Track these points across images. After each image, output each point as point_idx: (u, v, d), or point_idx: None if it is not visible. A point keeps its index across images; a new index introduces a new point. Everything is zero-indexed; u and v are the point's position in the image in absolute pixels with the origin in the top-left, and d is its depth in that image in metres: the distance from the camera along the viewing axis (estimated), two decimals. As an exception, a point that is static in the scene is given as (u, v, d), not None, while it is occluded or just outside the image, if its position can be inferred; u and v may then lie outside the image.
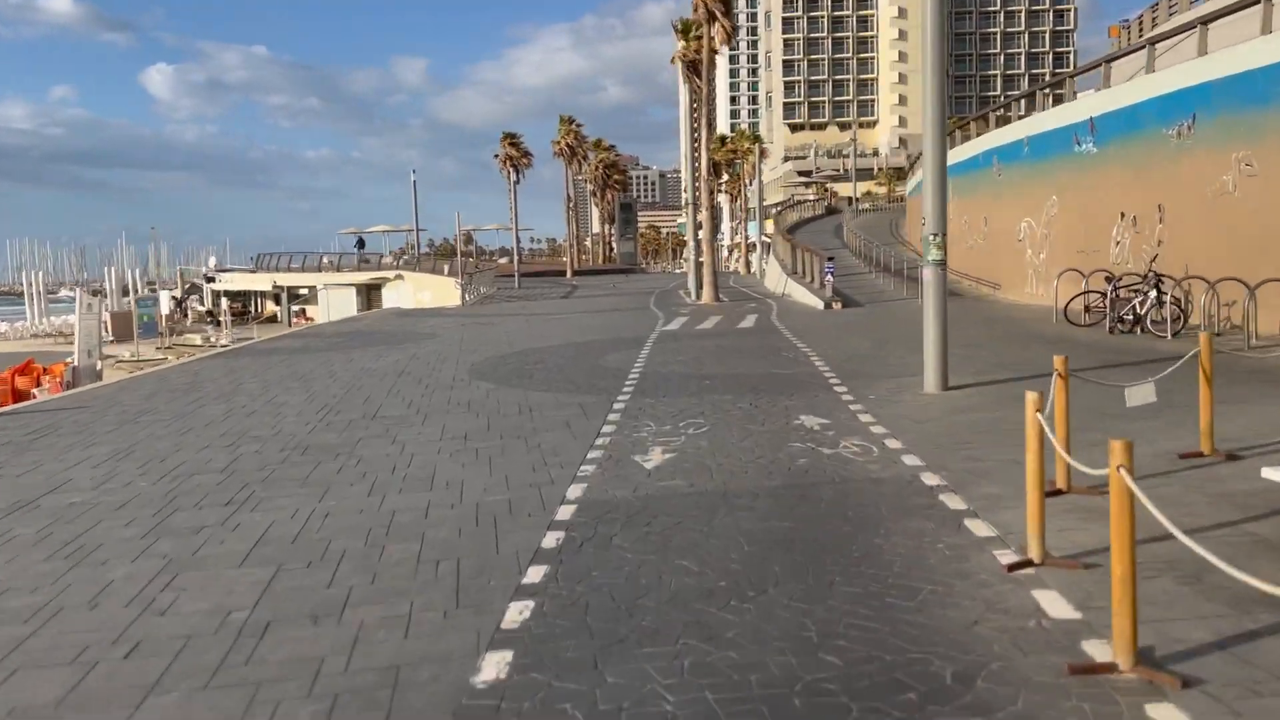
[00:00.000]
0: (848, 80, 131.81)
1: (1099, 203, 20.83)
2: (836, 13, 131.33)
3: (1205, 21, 17.30)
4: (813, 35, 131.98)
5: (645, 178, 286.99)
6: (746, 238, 71.29)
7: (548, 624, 4.75)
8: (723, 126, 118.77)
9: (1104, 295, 17.41)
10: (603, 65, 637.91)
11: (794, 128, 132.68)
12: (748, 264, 66.21)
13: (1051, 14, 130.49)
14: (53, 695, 4.22)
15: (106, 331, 43.35)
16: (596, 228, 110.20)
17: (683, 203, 78.67)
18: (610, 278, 64.34)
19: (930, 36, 11.31)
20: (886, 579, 5.18)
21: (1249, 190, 15.77)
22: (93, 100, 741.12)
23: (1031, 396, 5.18)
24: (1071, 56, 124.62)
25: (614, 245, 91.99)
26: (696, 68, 36.92)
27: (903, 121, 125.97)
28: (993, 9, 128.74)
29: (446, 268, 51.54)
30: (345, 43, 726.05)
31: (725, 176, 75.69)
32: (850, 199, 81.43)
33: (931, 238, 11.29)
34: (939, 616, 4.63)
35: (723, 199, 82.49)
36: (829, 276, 28.15)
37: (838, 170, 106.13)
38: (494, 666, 4.29)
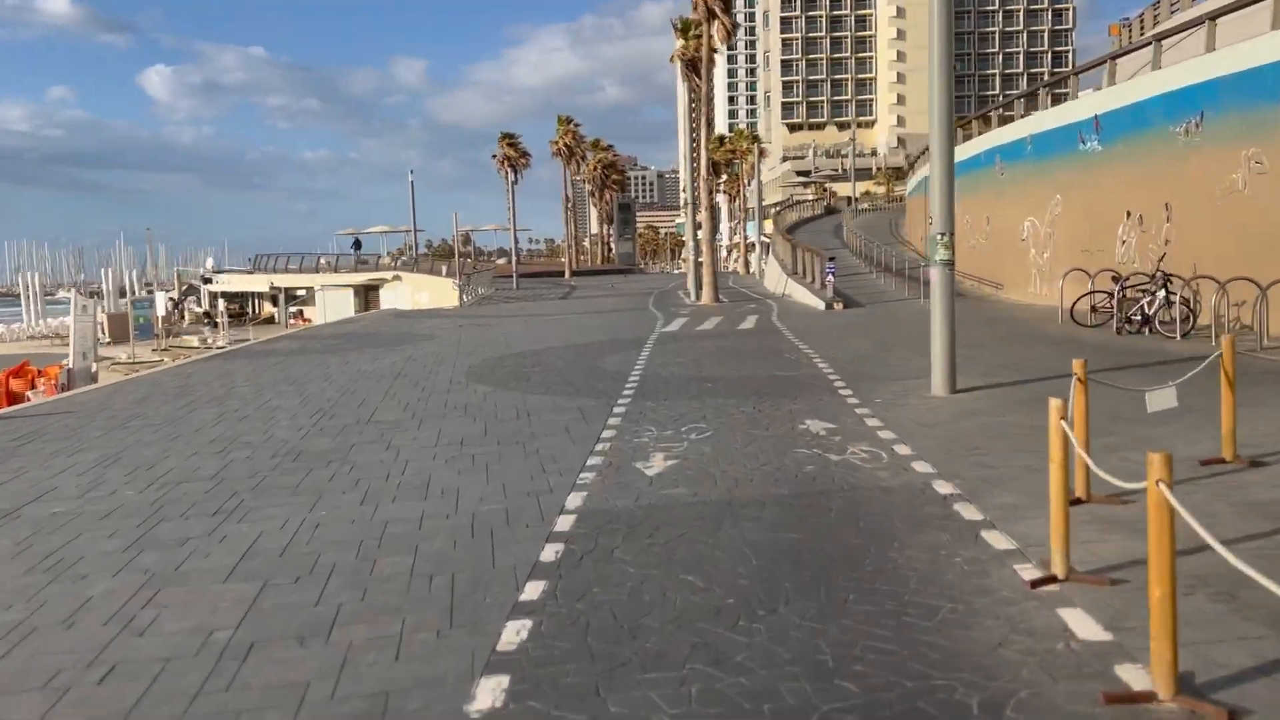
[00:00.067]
0: (846, 80, 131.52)
1: (1104, 201, 20.58)
2: (835, 12, 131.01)
3: (1214, 17, 17.05)
4: (811, 35, 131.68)
5: (643, 178, 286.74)
6: (745, 238, 71.01)
7: (546, 645, 4.49)
8: (721, 127, 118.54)
9: (1111, 295, 17.16)
10: (601, 65, 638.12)
11: (792, 127, 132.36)
12: (746, 264, 65.94)
13: (1050, 13, 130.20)
14: (18, 726, 3.97)
15: (103, 333, 43.09)
16: (595, 228, 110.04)
17: (681, 203, 78.49)
18: (609, 278, 64.07)
19: (938, 33, 11.05)
20: (902, 596, 4.92)
21: (1259, 188, 15.52)
22: (91, 102, 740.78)
23: (1055, 404, 4.92)
24: (1070, 56, 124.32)
25: (612, 245, 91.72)
26: (696, 66, 36.68)
27: (901, 121, 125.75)
28: (991, 8, 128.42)
29: (444, 268, 51.32)
30: (344, 43, 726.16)
31: (724, 177, 75.47)
32: (849, 199, 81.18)
33: (939, 237, 11.04)
34: (961, 638, 4.37)
35: (721, 199, 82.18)
36: (830, 277, 27.90)
37: (836, 170, 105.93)
38: (489, 693, 4.03)
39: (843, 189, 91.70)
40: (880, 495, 6.92)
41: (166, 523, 7.04)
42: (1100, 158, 20.94)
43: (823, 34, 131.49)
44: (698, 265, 35.48)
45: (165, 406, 12.93)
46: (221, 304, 57.16)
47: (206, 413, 12.22)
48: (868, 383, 12.24)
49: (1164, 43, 19.48)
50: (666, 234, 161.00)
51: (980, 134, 30.68)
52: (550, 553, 5.88)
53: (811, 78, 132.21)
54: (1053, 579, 4.96)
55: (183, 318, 58.81)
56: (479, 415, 11.19)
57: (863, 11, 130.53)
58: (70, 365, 26.30)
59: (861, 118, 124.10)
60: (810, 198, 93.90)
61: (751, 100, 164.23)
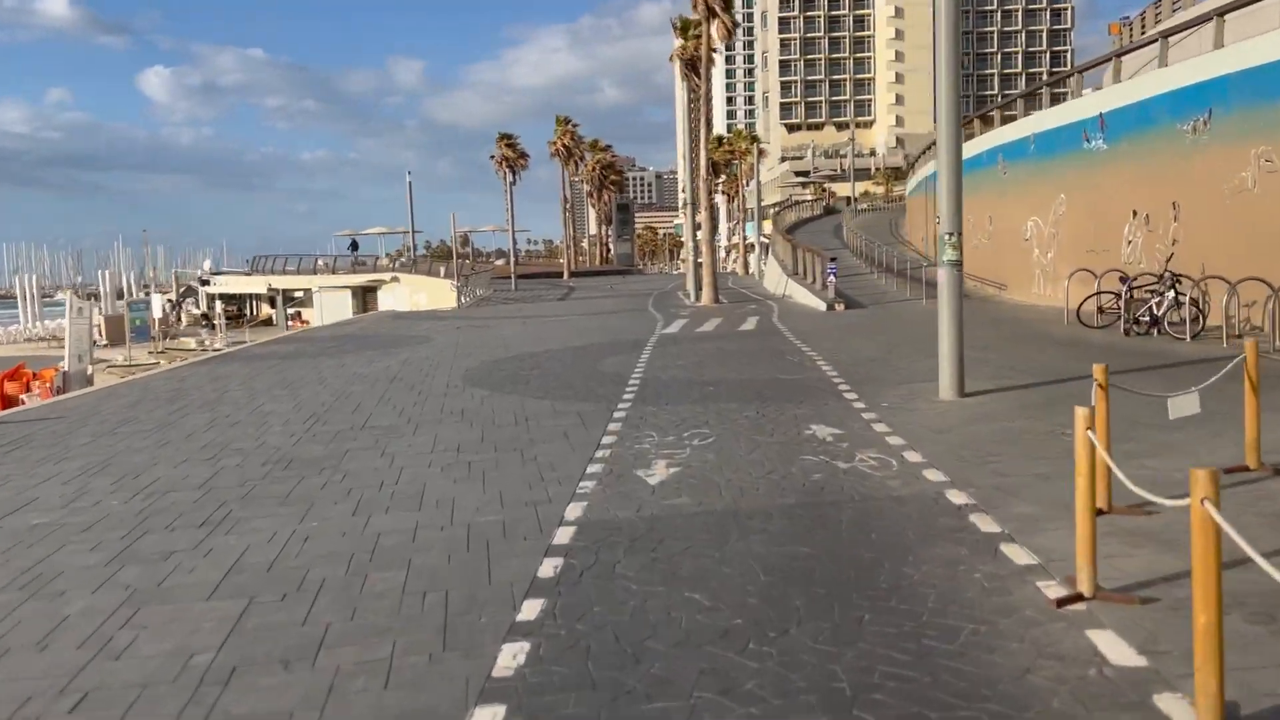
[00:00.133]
0: (844, 80, 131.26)
1: (1109, 201, 20.32)
2: (833, 12, 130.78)
3: (1222, 13, 16.79)
4: (809, 35, 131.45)
5: (642, 179, 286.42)
6: (745, 238, 70.76)
7: (544, 672, 4.23)
8: (719, 127, 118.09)
9: (1118, 296, 16.90)
10: (599, 66, 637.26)
11: (791, 128, 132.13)
12: (746, 265, 65.68)
13: (1048, 13, 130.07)
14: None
15: (100, 336, 42.86)
16: (593, 229, 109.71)
17: (680, 203, 78.23)
18: (607, 279, 63.78)
19: (945, 30, 10.80)
20: (921, 616, 4.66)
21: (1270, 187, 15.27)
22: (89, 103, 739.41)
23: (1082, 412, 4.67)
24: (1069, 55, 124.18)
25: (611, 246, 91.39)
26: (695, 65, 36.45)
27: (899, 121, 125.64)
28: (989, 8, 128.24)
29: (443, 270, 51.12)
30: (342, 44, 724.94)
31: (722, 177, 75.24)
32: (849, 199, 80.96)
33: (947, 237, 10.77)
34: (985, 662, 4.11)
35: (719, 200, 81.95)
36: (831, 277, 27.64)
37: (835, 170, 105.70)
38: (484, 726, 3.77)
39: (841, 189, 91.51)
40: (892, 505, 6.66)
41: (151, 535, 6.78)
42: (1105, 156, 20.68)
43: (821, 34, 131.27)
44: (697, 266, 35.21)
45: (157, 411, 12.67)
46: (219, 306, 56.90)
47: (198, 418, 11.96)
48: (873, 386, 11.98)
49: (1168, 40, 19.23)
50: (665, 235, 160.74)
51: (981, 133, 30.44)
52: (549, 568, 5.63)
53: (810, 78, 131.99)
54: (1079, 597, 4.70)
55: (180, 320, 58.57)
56: (476, 420, 10.93)
57: (861, 12, 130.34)
58: (66, 368, 26.08)
59: (860, 118, 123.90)
60: (809, 198, 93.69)
61: (750, 101, 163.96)
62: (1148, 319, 16.02)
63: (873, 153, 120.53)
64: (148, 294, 56.53)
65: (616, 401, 11.66)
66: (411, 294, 47.97)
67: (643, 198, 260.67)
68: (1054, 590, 4.86)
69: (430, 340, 22.54)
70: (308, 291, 54.90)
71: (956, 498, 6.75)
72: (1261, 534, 5.58)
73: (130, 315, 41.28)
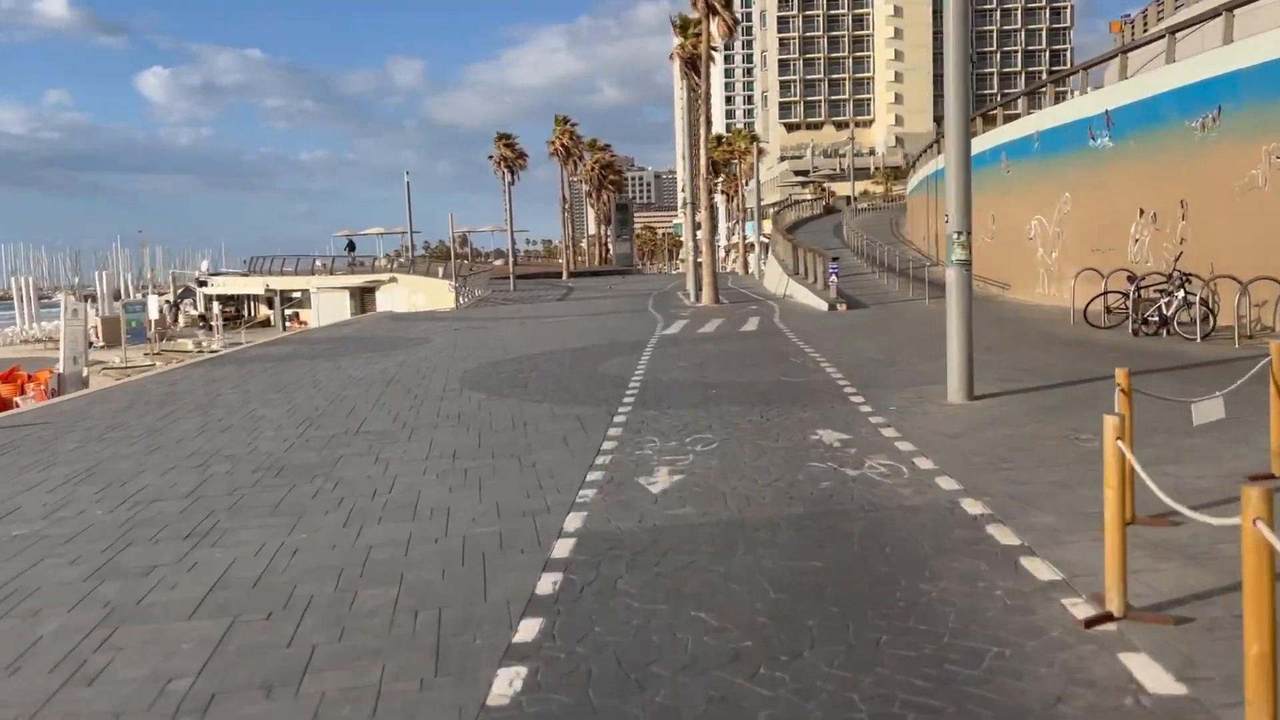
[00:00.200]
0: (843, 79, 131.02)
1: (1116, 199, 20.06)
2: (832, 12, 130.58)
3: (1230, 8, 16.53)
4: (808, 34, 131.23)
5: (641, 179, 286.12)
6: (744, 238, 70.48)
7: (543, 700, 3.97)
8: (718, 127, 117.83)
9: (1126, 295, 16.64)
10: (598, 66, 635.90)
11: (790, 127, 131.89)
12: (745, 265, 65.40)
13: (1048, 12, 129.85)
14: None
15: (97, 337, 42.57)
16: (592, 229, 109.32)
17: (679, 203, 77.96)
18: (607, 279, 63.53)
19: (953, 25, 10.54)
20: (942, 637, 4.39)
21: (1280, 184, 15.02)
22: (88, 104, 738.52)
23: (1111, 421, 4.41)
24: (1068, 54, 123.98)
25: (610, 246, 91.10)
26: (695, 64, 36.17)
27: (899, 120, 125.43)
28: (988, 7, 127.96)
29: (441, 270, 50.82)
30: (341, 44, 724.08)
31: (722, 176, 74.98)
32: (848, 198, 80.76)
33: (956, 236, 10.52)
34: (1013, 690, 3.85)
35: (718, 199, 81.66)
36: (833, 277, 27.38)
37: (834, 170, 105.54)
38: (477, 762, 3.51)
39: (841, 188, 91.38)
40: (905, 515, 6.40)
41: (134, 547, 6.52)
42: (1111, 154, 20.42)
43: (820, 33, 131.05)
44: (697, 266, 34.94)
45: (147, 416, 12.41)
46: (216, 307, 56.61)
47: (189, 423, 11.69)
48: (879, 389, 11.72)
49: (1175, 36, 18.96)
50: (664, 234, 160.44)
51: (983, 132, 30.17)
52: (547, 584, 5.37)
53: (809, 77, 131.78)
54: (1108, 617, 4.44)
55: (177, 321, 58.28)
56: (473, 425, 10.67)
57: (860, 11, 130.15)
58: (61, 370, 25.79)
59: (859, 117, 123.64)
60: (809, 197, 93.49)
61: (749, 100, 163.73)
62: (1156, 319, 15.77)
63: (872, 152, 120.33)
64: (144, 295, 56.17)
65: (617, 405, 11.40)
66: (409, 295, 47.69)
67: (642, 198, 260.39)
68: (1081, 609, 4.60)
69: (428, 342, 22.27)
70: (305, 292, 54.63)
71: (972, 507, 6.49)
72: (1295, 547, 5.31)
73: (126, 317, 40.93)
